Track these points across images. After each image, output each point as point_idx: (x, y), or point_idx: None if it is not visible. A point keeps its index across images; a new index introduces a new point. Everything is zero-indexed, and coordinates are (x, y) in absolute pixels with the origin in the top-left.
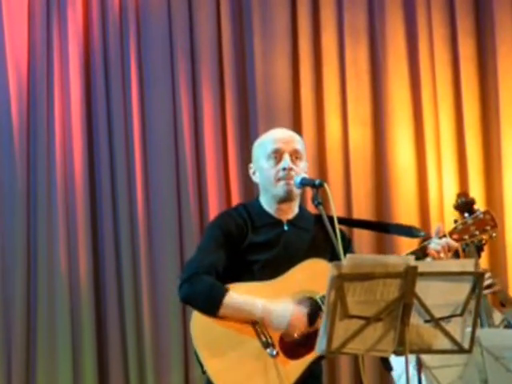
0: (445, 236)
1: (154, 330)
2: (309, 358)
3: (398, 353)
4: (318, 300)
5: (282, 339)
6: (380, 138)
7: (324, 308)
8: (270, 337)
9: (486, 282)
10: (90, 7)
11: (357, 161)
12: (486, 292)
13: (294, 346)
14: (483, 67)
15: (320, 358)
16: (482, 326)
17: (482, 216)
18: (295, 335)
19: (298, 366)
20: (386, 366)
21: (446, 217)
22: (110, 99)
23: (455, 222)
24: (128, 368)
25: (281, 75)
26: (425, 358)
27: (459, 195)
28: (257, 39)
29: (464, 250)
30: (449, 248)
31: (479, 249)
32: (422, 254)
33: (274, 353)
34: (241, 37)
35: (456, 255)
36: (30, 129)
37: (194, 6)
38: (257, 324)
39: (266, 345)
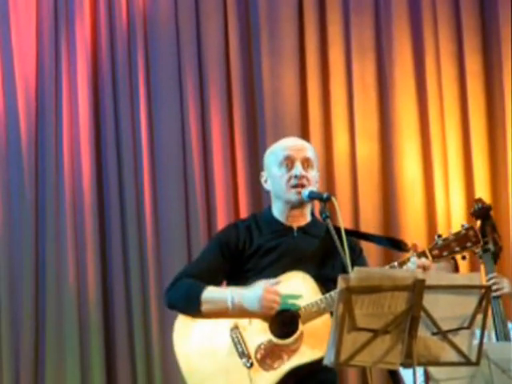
0: (424, 252)
1: (162, 340)
2: (282, 371)
3: (405, 365)
4: (295, 312)
5: (258, 349)
6: (387, 153)
7: (299, 321)
8: (246, 347)
9: (494, 287)
10: (98, 23)
11: (364, 175)
12: (495, 294)
13: (269, 358)
14: (489, 83)
15: (318, 368)
16: (497, 336)
17: (464, 232)
18: (272, 312)
19: (271, 378)
20: (393, 378)
21: (453, 229)
22: (118, 114)
23: (438, 236)
24: (137, 378)
25: (289, 91)
26: (432, 370)
27: (476, 201)
28: (265, 55)
29: (481, 257)
30: (424, 267)
31: (495, 256)
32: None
33: (249, 364)
34: (249, 52)
35: (455, 267)
36: (39, 143)
37: (201, 22)
38: (235, 333)
39: (242, 355)
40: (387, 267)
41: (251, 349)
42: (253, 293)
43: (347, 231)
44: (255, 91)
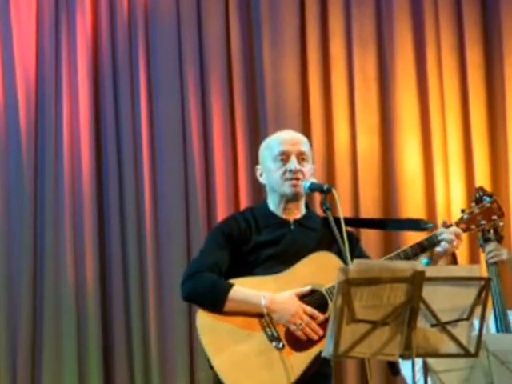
0: (451, 226)
1: (159, 335)
2: (314, 351)
3: (404, 357)
4: (324, 292)
5: (287, 332)
6: (388, 145)
7: (330, 302)
8: (276, 330)
9: (492, 253)
10: (99, 14)
11: (365, 167)
12: (493, 260)
13: (299, 339)
14: (490, 74)
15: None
16: (497, 326)
17: (488, 205)
18: (298, 332)
19: (304, 358)
20: (392, 369)
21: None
22: (118, 106)
23: (462, 211)
24: (134, 373)
25: (290, 82)
26: (431, 361)
27: (477, 190)
28: (266, 47)
29: (481, 247)
30: (457, 235)
31: (499, 238)
32: (428, 244)
33: (280, 345)
34: (250, 44)
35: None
36: (38, 135)
37: (203, 13)
38: (263, 317)
39: (272, 338)
40: (415, 244)
41: (281, 331)
42: (287, 307)
43: (358, 221)
44: (256, 83)
